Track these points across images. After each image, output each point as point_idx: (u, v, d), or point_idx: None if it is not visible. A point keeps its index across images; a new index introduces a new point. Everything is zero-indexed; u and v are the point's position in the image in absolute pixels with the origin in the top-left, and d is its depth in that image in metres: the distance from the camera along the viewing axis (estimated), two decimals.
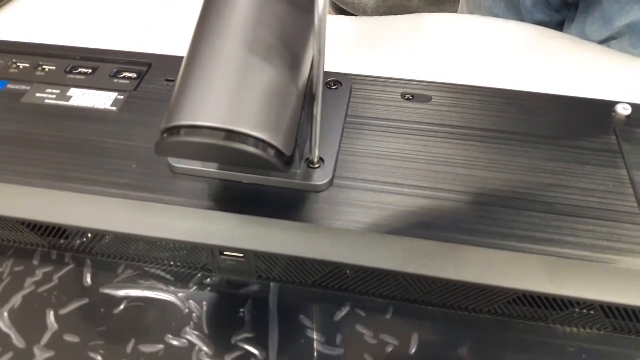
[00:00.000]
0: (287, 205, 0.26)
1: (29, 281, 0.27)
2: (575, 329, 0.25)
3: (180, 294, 0.26)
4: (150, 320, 0.25)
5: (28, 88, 0.33)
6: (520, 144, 0.29)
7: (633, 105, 0.31)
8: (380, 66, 0.40)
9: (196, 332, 0.25)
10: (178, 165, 0.27)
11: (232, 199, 0.27)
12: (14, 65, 0.35)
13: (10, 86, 0.33)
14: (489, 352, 0.24)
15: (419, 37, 0.43)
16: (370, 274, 0.25)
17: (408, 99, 0.32)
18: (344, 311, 0.26)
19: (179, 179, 0.27)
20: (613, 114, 0.31)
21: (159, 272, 0.27)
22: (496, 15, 0.52)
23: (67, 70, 0.34)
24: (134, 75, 0.34)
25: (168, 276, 0.27)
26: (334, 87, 0.32)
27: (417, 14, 0.45)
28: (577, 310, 0.25)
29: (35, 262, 0.28)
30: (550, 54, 0.42)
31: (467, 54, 0.42)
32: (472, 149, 0.29)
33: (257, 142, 0.21)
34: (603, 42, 0.46)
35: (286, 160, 0.22)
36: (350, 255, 0.25)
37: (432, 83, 0.33)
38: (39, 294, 0.26)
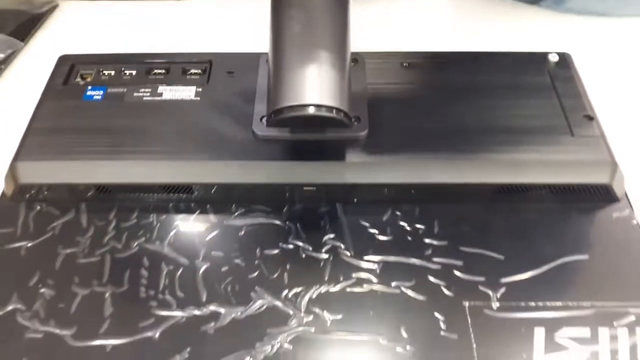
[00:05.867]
0: (341, 151, 0.39)
1: (173, 224, 0.39)
2: (535, 204, 0.40)
3: (279, 218, 0.39)
4: (264, 236, 0.38)
5: (124, 90, 0.43)
6: (484, 90, 0.43)
7: (559, 54, 0.45)
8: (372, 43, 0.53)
9: (298, 239, 0.38)
10: (260, 133, 0.39)
11: (303, 152, 0.39)
12: (103, 74, 0.45)
13: (109, 90, 0.44)
14: (486, 224, 0.39)
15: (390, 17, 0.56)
16: (405, 187, 0.39)
17: (405, 66, 0.45)
18: (388, 214, 0.39)
19: (263, 143, 0.39)
20: (546, 61, 0.45)
21: (260, 207, 0.40)
22: None
23: (147, 72, 0.45)
24: (200, 71, 0.45)
25: (268, 208, 0.40)
26: (352, 64, 0.44)
27: None
28: (534, 191, 0.39)
29: (172, 212, 0.40)
30: (494, 17, 0.55)
31: (429, 27, 0.55)
32: (456, 97, 0.42)
33: (333, 109, 0.33)
34: (536, 1, 0.59)
35: (350, 119, 0.35)
36: (389, 176, 0.39)
37: (419, 52, 0.46)
38: (184, 231, 0.38)
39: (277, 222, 0.39)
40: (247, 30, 0.53)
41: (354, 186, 0.39)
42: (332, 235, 0.38)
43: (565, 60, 0.45)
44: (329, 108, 0.33)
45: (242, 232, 0.38)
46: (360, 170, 0.39)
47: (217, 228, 0.39)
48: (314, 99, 0.33)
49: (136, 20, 0.57)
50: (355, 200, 0.40)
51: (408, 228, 0.39)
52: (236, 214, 0.39)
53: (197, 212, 0.40)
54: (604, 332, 0.33)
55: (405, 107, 0.42)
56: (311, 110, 0.33)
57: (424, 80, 0.44)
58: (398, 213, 0.39)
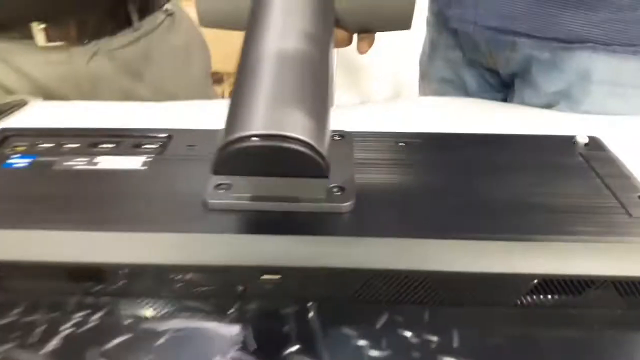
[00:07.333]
0: (318, 225, 0.28)
1: (65, 324, 0.26)
2: (595, 309, 0.27)
3: (223, 321, 0.27)
4: (195, 347, 0.25)
5: (55, 159, 0.35)
6: (518, 172, 0.33)
7: (589, 136, 0.37)
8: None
9: (245, 353, 0.25)
10: (213, 201, 0.29)
11: (266, 226, 0.28)
12: (39, 145, 0.37)
13: (39, 159, 0.35)
14: (522, 340, 0.26)
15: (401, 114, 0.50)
16: (402, 279, 0.27)
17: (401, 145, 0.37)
18: (383, 319, 0.27)
19: (214, 214, 0.29)
20: (574, 143, 0.37)
21: (196, 304, 0.28)
22: None
23: (91, 145, 0.37)
24: (156, 146, 0.37)
25: (207, 307, 0.27)
26: (338, 139, 0.36)
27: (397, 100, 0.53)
28: (593, 290, 0.27)
29: (68, 309, 0.27)
30: (502, 117, 0.49)
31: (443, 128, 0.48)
32: (469, 173, 0.33)
33: (304, 144, 0.24)
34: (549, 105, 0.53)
35: (326, 165, 0.25)
36: (383, 260, 0.27)
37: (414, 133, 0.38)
38: (77, 336, 0.26)
39: (219, 326, 0.26)
40: None
41: (334, 273, 0.27)
42: (297, 348, 0.25)
43: (596, 142, 0.37)
44: (297, 141, 0.23)
45: (162, 340, 0.26)
46: (343, 251, 0.28)
47: (126, 333, 0.26)
48: (278, 128, 0.23)
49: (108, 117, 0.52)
50: (336, 296, 0.28)
51: (414, 340, 0.26)
52: (159, 313, 0.27)
53: (103, 311, 0.27)
54: None
55: (403, 183, 0.32)
56: (275, 141, 0.23)
57: (422, 158, 0.35)
58: (398, 317, 0.27)
